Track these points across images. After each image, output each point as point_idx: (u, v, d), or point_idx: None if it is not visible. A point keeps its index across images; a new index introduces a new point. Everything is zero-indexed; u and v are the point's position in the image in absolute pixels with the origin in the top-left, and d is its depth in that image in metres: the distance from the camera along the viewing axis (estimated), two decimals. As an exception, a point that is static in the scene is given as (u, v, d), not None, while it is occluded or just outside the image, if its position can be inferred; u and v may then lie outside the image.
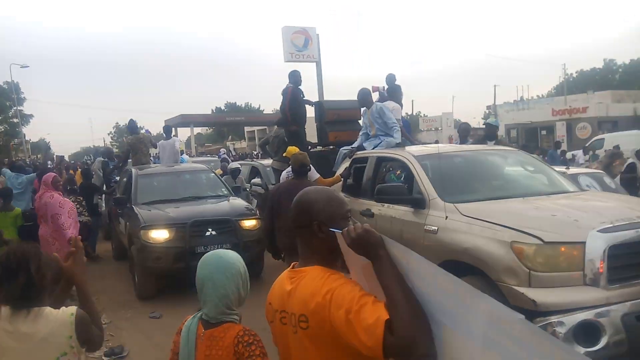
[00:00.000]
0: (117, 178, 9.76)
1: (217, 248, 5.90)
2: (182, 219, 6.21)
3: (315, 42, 24.41)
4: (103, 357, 4.69)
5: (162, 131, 11.38)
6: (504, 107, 38.19)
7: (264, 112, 64.09)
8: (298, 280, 1.55)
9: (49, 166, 10.53)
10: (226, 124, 50.95)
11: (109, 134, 70.32)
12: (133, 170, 7.85)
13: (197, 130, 54.38)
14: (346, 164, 6.09)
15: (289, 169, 5.71)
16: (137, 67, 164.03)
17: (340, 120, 7.68)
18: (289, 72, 7.83)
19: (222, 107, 68.26)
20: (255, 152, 24.78)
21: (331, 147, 7.55)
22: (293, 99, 7.55)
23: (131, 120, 9.76)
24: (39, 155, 51.28)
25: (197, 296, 1.94)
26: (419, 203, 4.28)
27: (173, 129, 10.06)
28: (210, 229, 6.23)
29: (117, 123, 70.77)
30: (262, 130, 52.90)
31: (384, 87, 7.87)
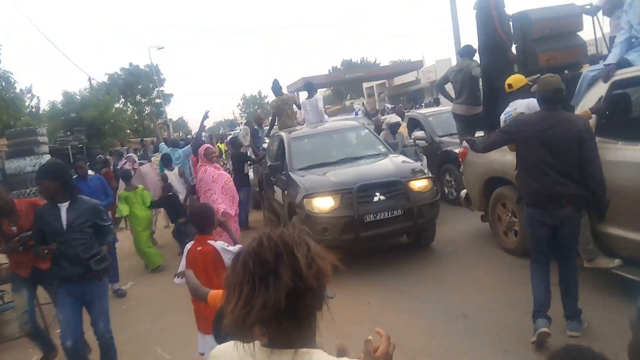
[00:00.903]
0: (265, 144, 9.46)
1: (389, 215, 5.14)
2: (346, 183, 5.50)
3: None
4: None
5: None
6: None
7: (381, 65, 62.33)
8: None
9: (202, 138, 10.49)
10: (346, 82, 50.10)
11: (237, 106, 73.98)
12: (283, 134, 7.34)
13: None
14: (598, 90, 4.24)
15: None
16: (251, 39, 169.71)
17: (553, 35, 5.42)
18: None
19: (339, 66, 67.60)
20: (389, 106, 23.40)
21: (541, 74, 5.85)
22: (499, 7, 5.50)
23: (275, 80, 9.17)
24: (181, 133, 56.00)
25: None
26: None
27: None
28: (378, 194, 5.43)
29: (243, 94, 74.08)
30: (381, 84, 51.27)
31: None
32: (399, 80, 48.60)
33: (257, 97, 73.74)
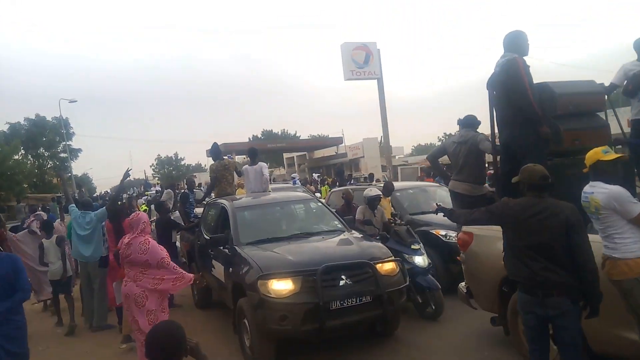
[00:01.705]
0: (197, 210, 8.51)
1: (357, 302, 4.48)
2: (308, 264, 4.80)
3: (377, 58, 23.37)
4: None
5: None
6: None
7: (301, 138, 63.91)
8: None
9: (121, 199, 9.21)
10: (267, 151, 50.28)
11: (150, 166, 70.75)
12: (226, 202, 6.54)
13: (237, 158, 54.05)
14: None
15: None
16: (171, 99, 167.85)
17: (577, 113, 4.87)
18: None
19: (259, 135, 68.12)
20: (315, 176, 23.39)
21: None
22: (530, 75, 4.70)
23: (215, 144, 8.42)
24: (83, 189, 51.83)
25: None
26: None
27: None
28: (344, 277, 4.79)
29: (158, 155, 71.25)
30: (302, 156, 52.27)
31: None
32: (318, 154, 49.87)
33: (174, 158, 71.28)
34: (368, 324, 5.31)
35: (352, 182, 17.30)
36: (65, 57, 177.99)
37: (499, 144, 5.17)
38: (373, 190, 7.15)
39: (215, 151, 8.39)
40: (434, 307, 5.86)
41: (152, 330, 2.50)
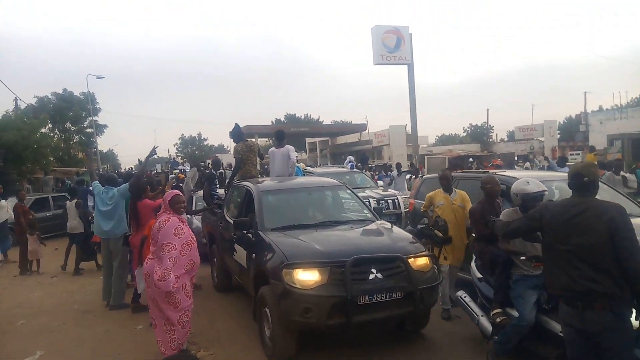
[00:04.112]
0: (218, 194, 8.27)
1: (387, 298, 4.14)
2: (337, 254, 4.50)
3: (408, 43, 22.66)
4: None
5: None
6: (597, 115, 34.61)
7: (323, 123, 63.37)
8: None
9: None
10: (289, 135, 49.88)
11: (174, 145, 71.28)
12: (251, 185, 6.27)
13: (260, 141, 53.88)
14: None
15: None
16: (199, 79, 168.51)
17: None
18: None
19: (282, 119, 67.82)
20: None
21: None
22: None
23: (236, 125, 8.10)
24: (108, 165, 52.49)
25: None
26: None
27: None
28: (374, 270, 4.47)
29: (182, 134, 71.72)
30: (324, 141, 51.81)
31: None
32: (341, 140, 49.42)
33: (197, 138, 71.68)
34: (397, 321, 5.02)
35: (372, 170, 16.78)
36: (96, 35, 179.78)
37: None
38: (533, 184, 4.22)
39: (238, 132, 8.08)
40: None
41: None
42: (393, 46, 21.67)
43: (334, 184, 6.57)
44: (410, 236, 5.41)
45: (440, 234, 5.67)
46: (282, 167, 7.73)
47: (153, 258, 4.58)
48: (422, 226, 6.13)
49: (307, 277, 4.36)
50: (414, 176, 15.11)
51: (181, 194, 4.89)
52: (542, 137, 40.23)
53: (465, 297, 4.94)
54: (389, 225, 5.66)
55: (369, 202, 9.47)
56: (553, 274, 3.11)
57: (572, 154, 27.71)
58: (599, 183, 3.30)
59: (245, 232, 5.60)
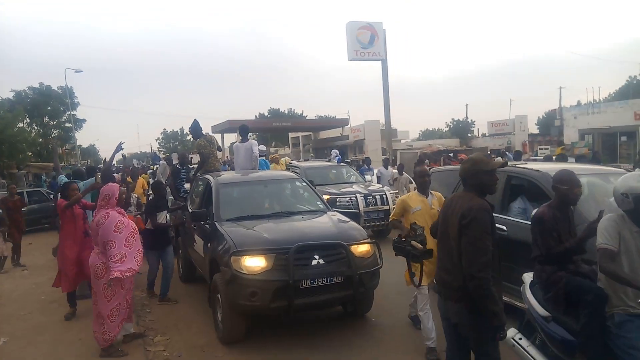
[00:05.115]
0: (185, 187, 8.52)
1: (327, 282, 4.49)
2: (282, 242, 4.82)
3: (382, 39, 23.05)
4: None
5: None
6: (571, 110, 35.42)
7: (307, 118, 63.51)
8: None
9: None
10: (272, 130, 50.10)
11: (156, 140, 70.98)
12: (211, 178, 6.55)
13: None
14: None
15: None
16: (182, 73, 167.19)
17: None
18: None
19: (266, 113, 67.90)
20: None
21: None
22: None
23: (195, 120, 8.28)
24: (89, 160, 52.02)
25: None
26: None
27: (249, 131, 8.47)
28: (317, 257, 4.81)
29: (164, 129, 71.39)
30: (307, 136, 51.98)
31: None
32: (324, 134, 49.67)
33: (179, 133, 71.39)
34: (338, 303, 5.36)
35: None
36: (74, 27, 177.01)
37: None
38: None
39: (196, 128, 8.29)
40: None
41: None
42: (367, 42, 22.05)
43: (290, 177, 6.89)
44: (358, 225, 5.75)
45: (420, 246, 3.84)
46: (245, 161, 8.02)
47: (96, 250, 4.82)
48: (394, 239, 4.07)
49: (253, 263, 4.68)
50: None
51: (117, 185, 5.10)
52: (513, 132, 41.15)
53: (520, 339, 3.45)
54: (341, 216, 5.98)
55: (355, 197, 9.69)
56: None
57: (542, 149, 28.46)
58: None
59: (202, 222, 5.88)
